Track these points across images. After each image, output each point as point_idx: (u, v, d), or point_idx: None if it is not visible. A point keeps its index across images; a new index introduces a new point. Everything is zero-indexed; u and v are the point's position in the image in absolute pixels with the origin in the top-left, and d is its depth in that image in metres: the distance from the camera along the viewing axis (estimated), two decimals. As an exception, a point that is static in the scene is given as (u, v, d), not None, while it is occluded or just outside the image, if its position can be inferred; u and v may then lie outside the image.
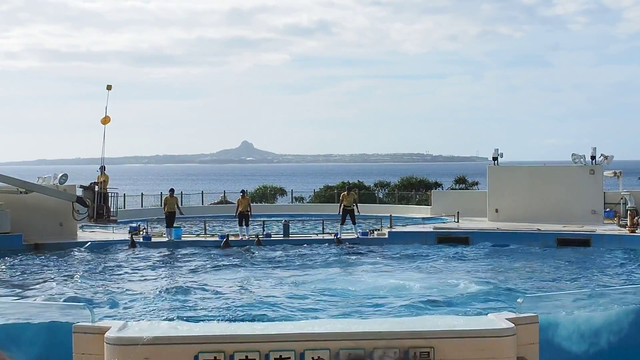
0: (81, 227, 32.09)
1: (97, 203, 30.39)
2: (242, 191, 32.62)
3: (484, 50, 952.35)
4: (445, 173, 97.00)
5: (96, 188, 30.71)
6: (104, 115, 30.98)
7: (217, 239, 29.75)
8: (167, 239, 29.91)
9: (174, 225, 30.40)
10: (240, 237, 30.09)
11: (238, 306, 17.49)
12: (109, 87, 31.15)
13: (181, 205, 34.41)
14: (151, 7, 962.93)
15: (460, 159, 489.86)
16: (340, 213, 31.09)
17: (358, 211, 31.59)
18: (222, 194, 49.35)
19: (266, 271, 23.31)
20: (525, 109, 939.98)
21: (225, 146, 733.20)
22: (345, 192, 31.96)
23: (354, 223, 30.98)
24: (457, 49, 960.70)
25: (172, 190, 31.85)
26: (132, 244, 28.68)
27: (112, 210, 31.53)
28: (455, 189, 48.84)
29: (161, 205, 31.60)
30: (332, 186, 51.10)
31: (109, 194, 31.21)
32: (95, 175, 31.21)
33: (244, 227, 30.55)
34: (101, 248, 28.11)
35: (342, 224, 30.85)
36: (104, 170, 30.93)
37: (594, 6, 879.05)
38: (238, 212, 30.86)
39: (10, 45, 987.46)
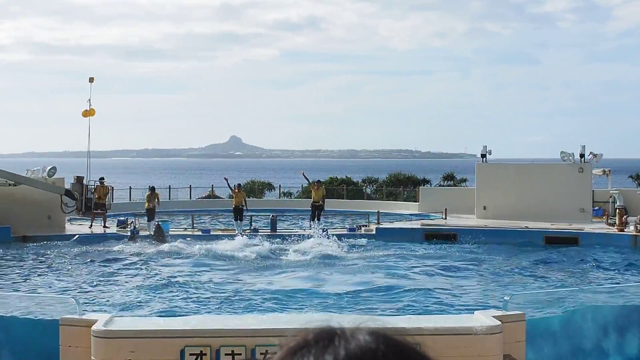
0: (69, 220, 32.00)
1: (85, 196, 30.33)
2: (238, 184, 31.99)
3: (472, 47, 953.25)
4: (433, 170, 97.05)
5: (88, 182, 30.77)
6: (88, 108, 30.95)
7: (201, 233, 29.63)
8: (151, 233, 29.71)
9: (163, 220, 30.25)
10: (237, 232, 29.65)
11: (224, 301, 17.48)
12: (91, 80, 31.11)
13: (169, 199, 34.38)
14: (141, 1, 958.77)
15: (448, 156, 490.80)
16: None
17: (323, 207, 30.92)
18: (210, 188, 49.18)
19: (253, 267, 23.29)
20: (513, 106, 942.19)
21: (214, 141, 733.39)
22: (315, 185, 31.25)
23: (317, 219, 30.04)
24: (445, 45, 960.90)
25: (152, 188, 31.76)
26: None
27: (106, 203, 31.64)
28: (444, 186, 48.78)
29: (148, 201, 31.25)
30: (320, 182, 51.02)
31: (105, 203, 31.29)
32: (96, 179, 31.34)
33: (239, 222, 30.37)
34: (89, 241, 27.99)
35: (312, 219, 30.46)
36: (103, 182, 31.22)
37: (583, 4, 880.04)
38: (233, 206, 30.59)
39: (1, 38, 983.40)
